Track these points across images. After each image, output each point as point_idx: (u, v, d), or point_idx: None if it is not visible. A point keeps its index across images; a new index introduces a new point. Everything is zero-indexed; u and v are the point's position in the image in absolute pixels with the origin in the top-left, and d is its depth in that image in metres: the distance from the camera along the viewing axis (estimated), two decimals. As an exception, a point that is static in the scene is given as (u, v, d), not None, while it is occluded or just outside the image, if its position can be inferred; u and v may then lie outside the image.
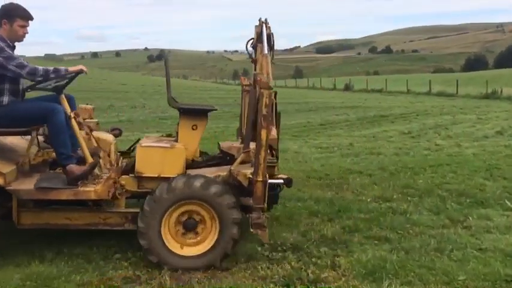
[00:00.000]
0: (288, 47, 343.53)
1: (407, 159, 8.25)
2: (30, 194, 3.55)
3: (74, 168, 3.60)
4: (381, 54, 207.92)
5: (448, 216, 4.98)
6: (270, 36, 5.16)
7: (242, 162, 3.93)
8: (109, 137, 4.25)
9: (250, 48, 4.85)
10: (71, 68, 3.73)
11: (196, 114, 4.20)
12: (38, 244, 3.92)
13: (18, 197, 3.60)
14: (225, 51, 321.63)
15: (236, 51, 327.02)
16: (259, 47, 4.83)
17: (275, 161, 4.19)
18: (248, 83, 4.84)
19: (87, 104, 4.63)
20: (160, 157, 3.87)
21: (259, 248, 4.07)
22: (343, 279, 3.50)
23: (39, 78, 3.61)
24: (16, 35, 3.73)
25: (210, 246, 3.68)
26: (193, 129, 4.15)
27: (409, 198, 5.69)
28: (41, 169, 3.88)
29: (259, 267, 3.71)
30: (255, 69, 4.58)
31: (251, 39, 4.92)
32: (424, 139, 10.84)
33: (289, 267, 3.69)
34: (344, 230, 4.57)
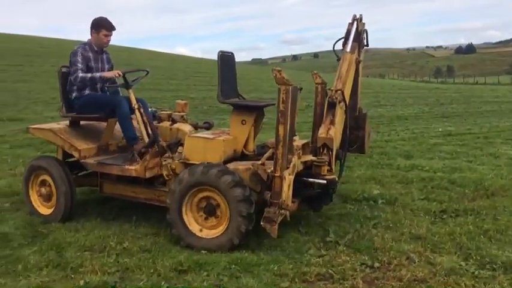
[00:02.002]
0: (503, 39, 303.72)
1: None
2: (93, 167, 4.52)
3: (139, 146, 4.44)
4: None
5: None
6: (360, 34, 4.94)
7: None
8: (186, 127, 4.84)
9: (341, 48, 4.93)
10: (105, 74, 4.62)
11: (245, 110, 4.47)
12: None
13: (87, 168, 4.61)
14: (427, 47, 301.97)
15: (440, 46, 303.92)
16: (347, 44, 4.86)
17: (324, 160, 4.28)
18: (320, 81, 4.73)
19: (181, 100, 5.28)
20: (202, 147, 4.24)
21: (463, 263, 3.68)
22: None
23: (88, 83, 4.60)
24: (101, 42, 4.77)
25: (220, 233, 3.93)
26: (242, 124, 4.44)
27: None
28: (126, 150, 4.65)
29: (463, 284, 3.35)
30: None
31: (341, 38, 4.93)
32: None
33: (500, 289, 3.23)
34: None
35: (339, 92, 4.57)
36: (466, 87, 39.04)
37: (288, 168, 3.85)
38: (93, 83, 4.62)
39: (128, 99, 4.51)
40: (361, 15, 5.09)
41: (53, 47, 32.83)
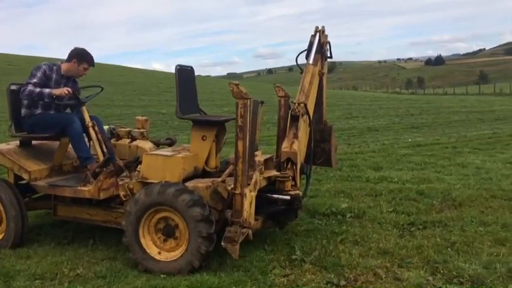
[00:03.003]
0: (470, 51, 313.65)
1: None
2: (44, 189, 4.32)
3: (94, 166, 4.22)
4: None
5: None
6: (323, 45, 4.90)
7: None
8: (146, 145, 4.70)
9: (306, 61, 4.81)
10: (54, 90, 4.33)
11: (205, 125, 4.33)
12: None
13: (37, 191, 4.40)
14: (398, 59, 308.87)
15: (410, 58, 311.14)
16: (309, 56, 4.78)
17: (288, 175, 4.13)
18: (283, 94, 4.64)
19: (142, 116, 5.08)
20: (161, 164, 4.05)
21: (430, 278, 3.60)
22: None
23: (35, 98, 4.33)
24: (77, 73, 4.66)
25: (179, 255, 3.74)
26: (203, 139, 4.28)
27: None
28: (81, 171, 4.46)
29: (430, 300, 3.26)
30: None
31: (304, 50, 4.85)
32: None
33: (466, 304, 3.14)
34: (541, 264, 3.75)
35: (302, 105, 4.48)
36: (435, 97, 39.89)
37: (249, 184, 3.72)
38: (41, 99, 4.37)
39: (81, 117, 4.30)
40: (323, 27, 5.05)
41: (23, 64, 32.04)
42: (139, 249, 3.80)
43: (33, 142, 4.62)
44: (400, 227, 4.82)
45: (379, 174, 7.17)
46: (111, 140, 4.84)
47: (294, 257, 4.02)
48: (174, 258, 3.76)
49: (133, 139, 4.78)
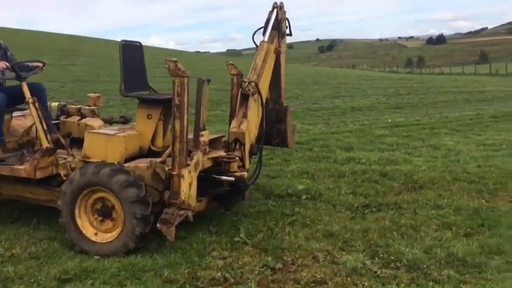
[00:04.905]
0: (473, 30, 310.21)
1: None
2: None
3: None
4: None
5: None
6: (280, 22, 4.77)
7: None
8: (96, 123, 4.56)
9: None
10: None
11: (150, 103, 4.23)
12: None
13: None
14: (399, 37, 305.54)
15: (412, 37, 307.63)
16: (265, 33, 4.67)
17: (233, 156, 4.10)
18: (236, 72, 4.57)
19: (94, 93, 4.96)
20: (103, 143, 4.00)
21: (368, 262, 3.57)
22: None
23: None
24: None
25: (115, 236, 3.68)
26: (148, 118, 4.20)
27: None
28: (25, 148, 4.38)
29: (361, 284, 3.23)
30: None
31: (261, 27, 4.74)
32: None
33: (397, 289, 3.11)
34: (482, 250, 3.72)
35: (253, 83, 4.38)
36: (430, 77, 39.51)
37: (188, 165, 3.65)
38: None
39: (15, 92, 4.17)
40: (281, 2, 4.90)
41: (10, 38, 31.61)
42: (76, 229, 3.76)
43: None
44: (354, 209, 4.78)
45: (347, 155, 7.10)
46: (61, 117, 4.75)
47: (236, 239, 3.99)
48: (110, 240, 3.72)
49: (83, 117, 4.68)
